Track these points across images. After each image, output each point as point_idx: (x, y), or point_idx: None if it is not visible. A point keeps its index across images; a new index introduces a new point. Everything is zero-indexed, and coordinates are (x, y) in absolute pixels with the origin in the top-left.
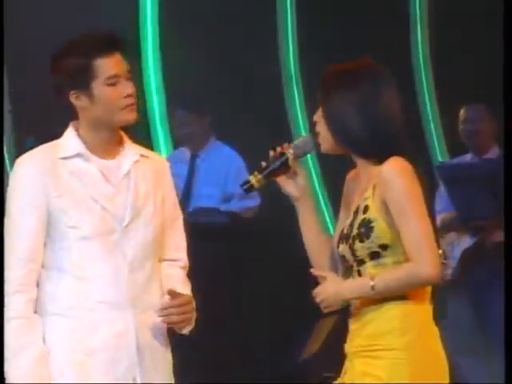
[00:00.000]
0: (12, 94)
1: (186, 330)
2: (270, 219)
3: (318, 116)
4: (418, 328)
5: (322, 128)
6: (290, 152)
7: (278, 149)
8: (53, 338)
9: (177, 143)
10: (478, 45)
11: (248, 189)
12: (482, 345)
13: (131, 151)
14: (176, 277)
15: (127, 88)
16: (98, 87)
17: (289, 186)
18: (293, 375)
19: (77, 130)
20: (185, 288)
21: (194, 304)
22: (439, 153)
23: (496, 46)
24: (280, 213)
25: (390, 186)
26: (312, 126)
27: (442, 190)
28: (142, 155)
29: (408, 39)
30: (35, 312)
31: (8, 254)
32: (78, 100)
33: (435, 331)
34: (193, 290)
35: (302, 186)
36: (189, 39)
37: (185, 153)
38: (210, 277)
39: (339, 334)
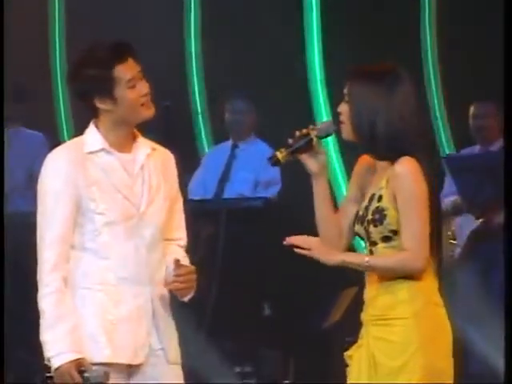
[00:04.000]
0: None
1: (187, 298)
2: (295, 203)
3: (343, 108)
4: (424, 299)
5: (345, 120)
6: (313, 133)
7: (304, 130)
8: (85, 309)
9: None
10: (487, 42)
11: (274, 163)
12: (486, 310)
13: (144, 145)
14: (177, 252)
15: (144, 88)
16: (120, 91)
17: (310, 163)
18: (317, 340)
19: (97, 127)
20: (186, 261)
21: (195, 275)
22: (446, 146)
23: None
24: (303, 197)
25: (400, 185)
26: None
27: (450, 178)
28: (152, 148)
29: (418, 37)
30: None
31: (43, 235)
32: (102, 104)
33: (440, 301)
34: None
35: (322, 163)
36: (220, 40)
37: (227, 145)
38: (242, 253)
39: (360, 303)
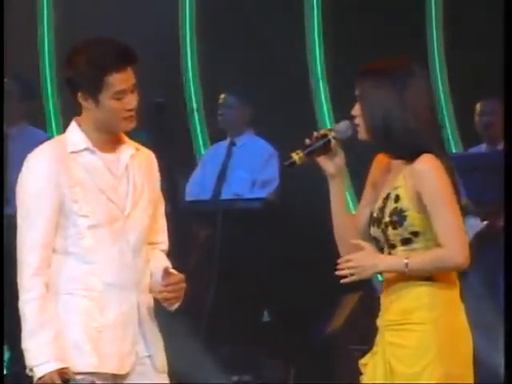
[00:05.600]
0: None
1: (174, 307)
2: (298, 203)
3: (357, 110)
4: (444, 304)
5: (360, 122)
6: (331, 135)
7: (321, 131)
8: (68, 316)
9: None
10: (492, 41)
11: (290, 165)
12: (490, 313)
13: (127, 146)
14: (160, 258)
15: (131, 101)
16: (105, 98)
17: (327, 165)
18: (319, 348)
19: (80, 125)
20: (169, 266)
21: (184, 284)
22: (453, 144)
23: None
24: (307, 197)
25: (424, 183)
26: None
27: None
28: (136, 149)
29: (424, 36)
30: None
31: (24, 239)
32: (84, 101)
33: (461, 306)
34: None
35: (339, 165)
36: (219, 38)
37: (224, 144)
38: (241, 256)
39: (363, 309)
